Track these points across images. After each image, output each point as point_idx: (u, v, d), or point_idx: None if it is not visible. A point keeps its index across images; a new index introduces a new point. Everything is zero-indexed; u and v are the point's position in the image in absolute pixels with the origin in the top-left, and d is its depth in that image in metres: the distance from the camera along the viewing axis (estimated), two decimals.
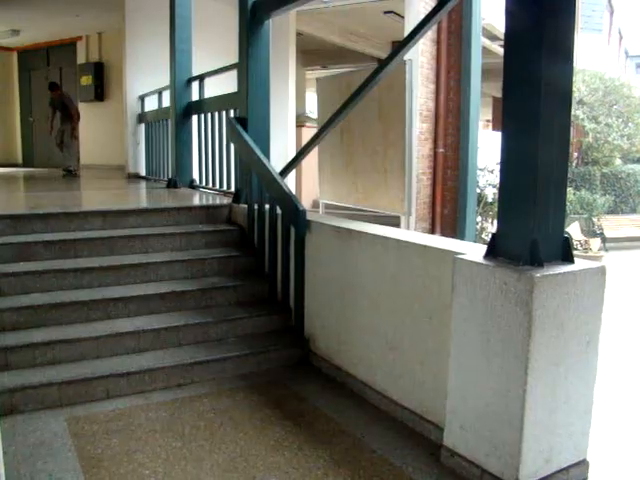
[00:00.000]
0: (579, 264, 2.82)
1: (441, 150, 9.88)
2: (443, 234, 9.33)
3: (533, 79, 2.71)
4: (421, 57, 9.34)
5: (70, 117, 10.56)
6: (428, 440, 3.32)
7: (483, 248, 3.01)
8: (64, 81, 12.97)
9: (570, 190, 18.39)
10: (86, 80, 12.39)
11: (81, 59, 12.63)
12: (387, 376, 3.72)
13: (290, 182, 8.40)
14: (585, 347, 2.85)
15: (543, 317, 2.64)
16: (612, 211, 20.20)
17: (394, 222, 7.01)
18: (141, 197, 7.47)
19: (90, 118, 12.28)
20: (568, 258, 2.85)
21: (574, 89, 18.79)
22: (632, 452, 3.31)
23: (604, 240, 18.27)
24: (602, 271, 2.84)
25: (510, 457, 2.75)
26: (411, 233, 4.18)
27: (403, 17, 9.90)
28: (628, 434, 3.52)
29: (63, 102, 10.56)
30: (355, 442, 3.33)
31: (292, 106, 10.76)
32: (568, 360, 2.79)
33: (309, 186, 10.77)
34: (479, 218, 11.07)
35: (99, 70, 12.31)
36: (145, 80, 9.42)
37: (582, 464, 2.97)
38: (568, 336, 2.76)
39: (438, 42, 9.83)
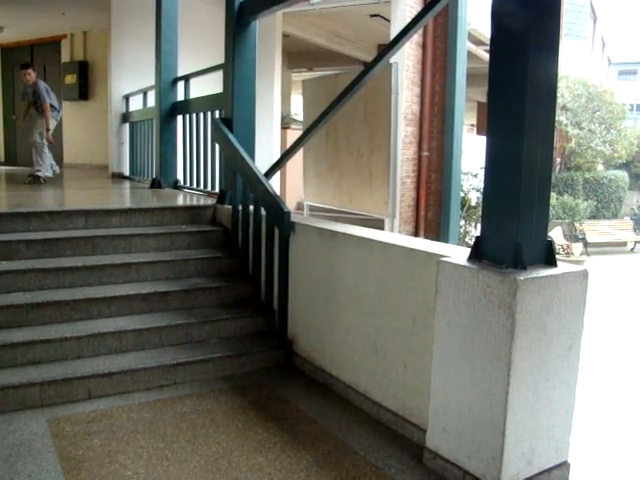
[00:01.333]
0: (562, 268, 2.84)
1: (425, 153, 9.92)
2: (427, 237, 9.36)
3: (518, 80, 2.73)
4: (407, 60, 9.38)
5: (42, 112, 8.47)
6: (411, 442, 3.32)
7: (467, 251, 3.03)
8: (48, 79, 12.79)
9: (553, 195, 18.57)
10: (70, 79, 12.29)
11: (65, 57, 12.53)
12: (370, 378, 3.72)
13: (275, 184, 8.38)
14: (567, 350, 2.87)
15: (526, 320, 2.66)
16: (594, 216, 20.42)
17: (378, 225, 7.01)
18: (124, 197, 7.42)
19: (74, 117, 12.19)
20: (551, 262, 2.87)
21: (558, 95, 18.98)
22: (612, 454, 3.34)
23: (586, 245, 18.47)
24: (584, 275, 2.87)
25: (492, 459, 2.77)
26: (395, 235, 4.19)
27: (389, 20, 9.94)
28: (608, 436, 3.56)
29: (35, 91, 8.50)
30: (338, 444, 3.33)
31: (277, 108, 10.75)
32: (550, 363, 2.81)
33: (294, 188, 10.76)
34: (463, 222, 11.13)
35: (84, 69, 12.21)
36: (130, 80, 9.37)
37: (563, 466, 2.99)
38: (550, 339, 2.78)
39: (424, 46, 9.87)
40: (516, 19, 2.74)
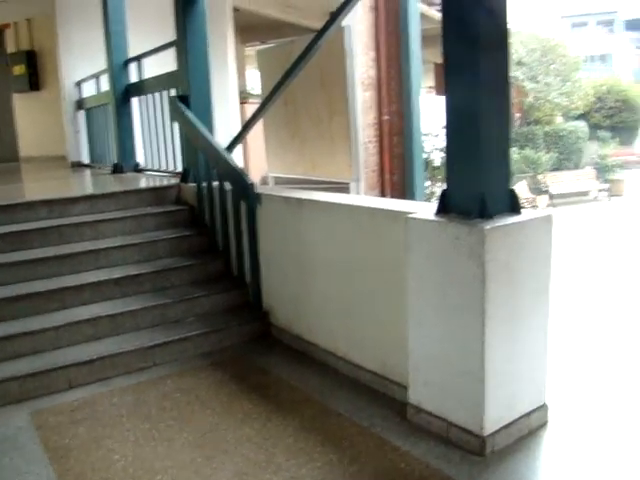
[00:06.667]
0: (526, 214, 2.88)
1: (386, 117, 9.90)
2: (401, 199, 9.38)
3: (470, 34, 2.74)
4: (360, 25, 9.31)
5: None
6: (393, 400, 3.36)
7: (433, 206, 3.04)
8: None
9: (515, 150, 18.75)
10: (19, 70, 11.93)
11: (11, 48, 12.16)
12: (348, 340, 3.76)
13: (238, 159, 8.32)
14: (538, 294, 2.92)
15: (495, 268, 2.69)
16: (557, 168, 20.66)
17: (344, 192, 7.02)
18: (86, 184, 7.31)
19: (26, 109, 11.89)
20: (515, 209, 2.91)
21: (513, 50, 19.07)
22: (586, 394, 3.43)
23: (551, 196, 18.73)
24: (548, 219, 2.91)
25: (474, 407, 2.82)
26: (361, 198, 4.22)
27: None
28: (581, 377, 3.64)
29: None
30: (322, 408, 3.37)
31: (234, 83, 10.62)
32: (523, 308, 2.87)
33: (258, 162, 10.69)
34: (428, 182, 11.19)
35: (32, 58, 11.85)
36: (81, 65, 9.13)
37: (542, 408, 3.07)
38: (521, 285, 2.83)
39: (377, 9, 9.79)
40: None
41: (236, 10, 11.14)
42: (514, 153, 18.47)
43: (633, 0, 37.19)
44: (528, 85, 20.32)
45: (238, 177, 4.50)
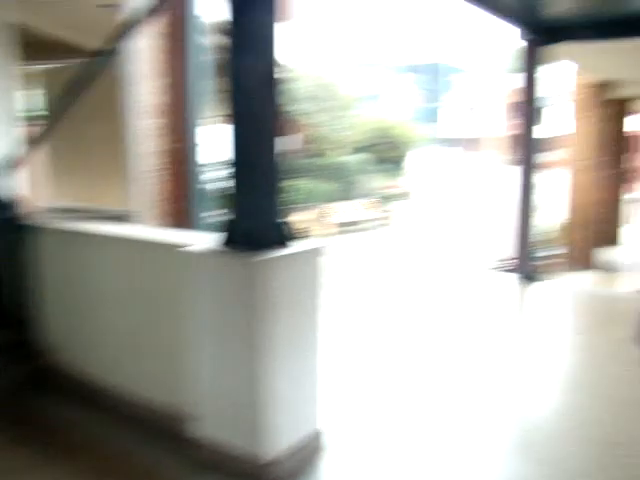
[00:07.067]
0: (296, 247, 3.06)
1: (176, 145, 9.79)
2: (182, 229, 9.27)
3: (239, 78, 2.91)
4: (151, 51, 9.13)
5: None
6: (179, 434, 3.27)
7: (212, 238, 3.09)
8: None
9: (299, 181, 19.58)
10: None
11: None
12: (134, 377, 3.67)
13: (20, 187, 7.76)
14: (306, 324, 3.11)
15: (266, 299, 2.83)
16: (339, 198, 21.85)
17: (128, 222, 6.83)
18: None
19: None
20: (286, 242, 3.06)
21: (298, 87, 20.01)
22: (356, 418, 3.64)
23: (335, 225, 19.74)
24: (316, 252, 3.13)
25: (255, 436, 2.92)
26: (140, 229, 4.16)
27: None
28: (352, 402, 3.85)
29: None
30: (107, 450, 3.25)
31: (14, 103, 9.90)
32: (293, 338, 3.02)
33: (43, 191, 10.04)
34: (215, 212, 11.23)
35: None
36: None
37: (317, 433, 3.26)
38: (290, 315, 2.99)
39: (169, 36, 9.66)
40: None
41: (17, 27, 10.46)
42: (299, 185, 19.29)
43: (418, 46, 41.41)
44: (310, 120, 21.37)
45: (6, 208, 4.21)
